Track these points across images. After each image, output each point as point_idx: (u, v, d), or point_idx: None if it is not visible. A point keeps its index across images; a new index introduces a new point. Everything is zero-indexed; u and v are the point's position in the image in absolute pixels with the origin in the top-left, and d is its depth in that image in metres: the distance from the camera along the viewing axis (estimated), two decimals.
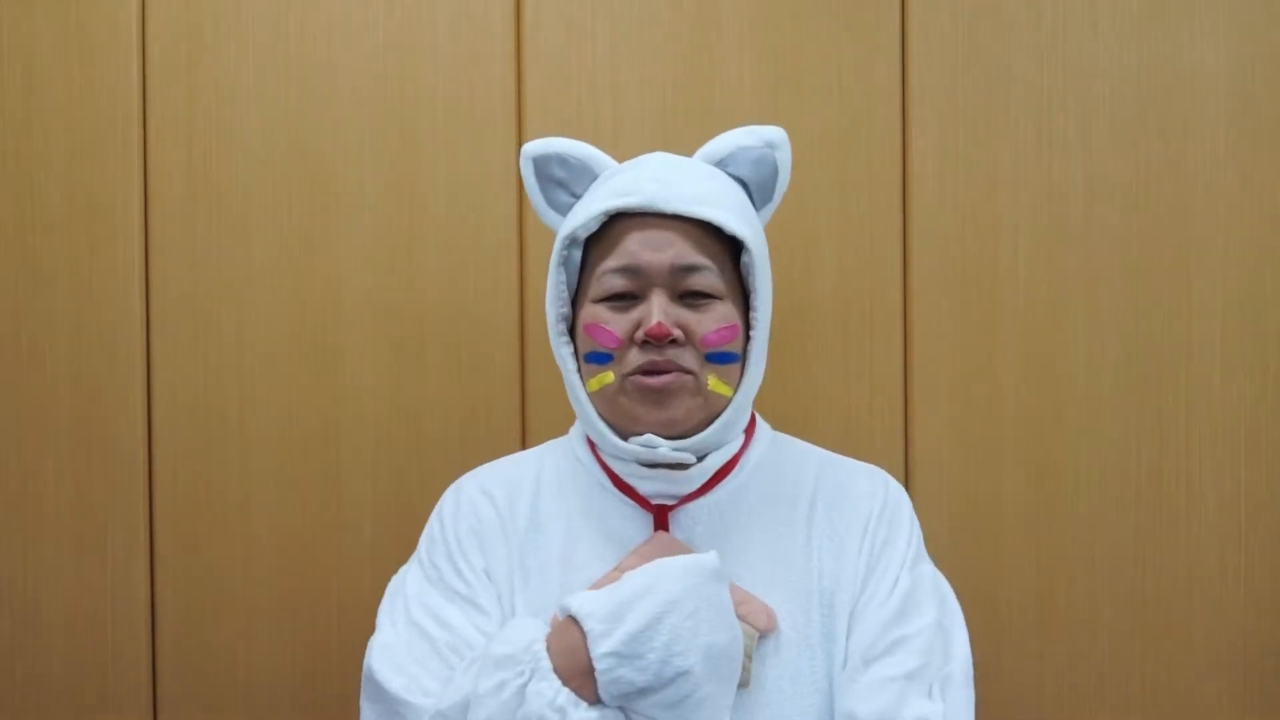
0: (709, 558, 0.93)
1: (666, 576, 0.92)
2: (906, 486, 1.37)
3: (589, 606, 0.91)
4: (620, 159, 1.10)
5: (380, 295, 1.37)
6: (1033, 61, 1.38)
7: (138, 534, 1.36)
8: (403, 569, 1.09)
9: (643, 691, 0.89)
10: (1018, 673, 1.36)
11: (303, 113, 1.36)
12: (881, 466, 1.31)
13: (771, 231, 1.36)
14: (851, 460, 1.10)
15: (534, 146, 1.07)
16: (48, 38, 1.36)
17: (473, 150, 1.37)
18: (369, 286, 1.37)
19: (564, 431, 1.37)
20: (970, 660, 0.99)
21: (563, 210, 1.07)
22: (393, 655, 0.99)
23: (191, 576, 1.36)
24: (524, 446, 1.37)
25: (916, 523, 1.05)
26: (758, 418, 1.10)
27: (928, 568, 1.03)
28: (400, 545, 1.36)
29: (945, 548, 1.36)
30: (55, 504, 1.36)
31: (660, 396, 0.97)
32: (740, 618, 0.94)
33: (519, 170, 1.08)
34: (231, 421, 1.36)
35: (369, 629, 1.36)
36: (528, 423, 1.37)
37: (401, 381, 1.37)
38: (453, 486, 1.10)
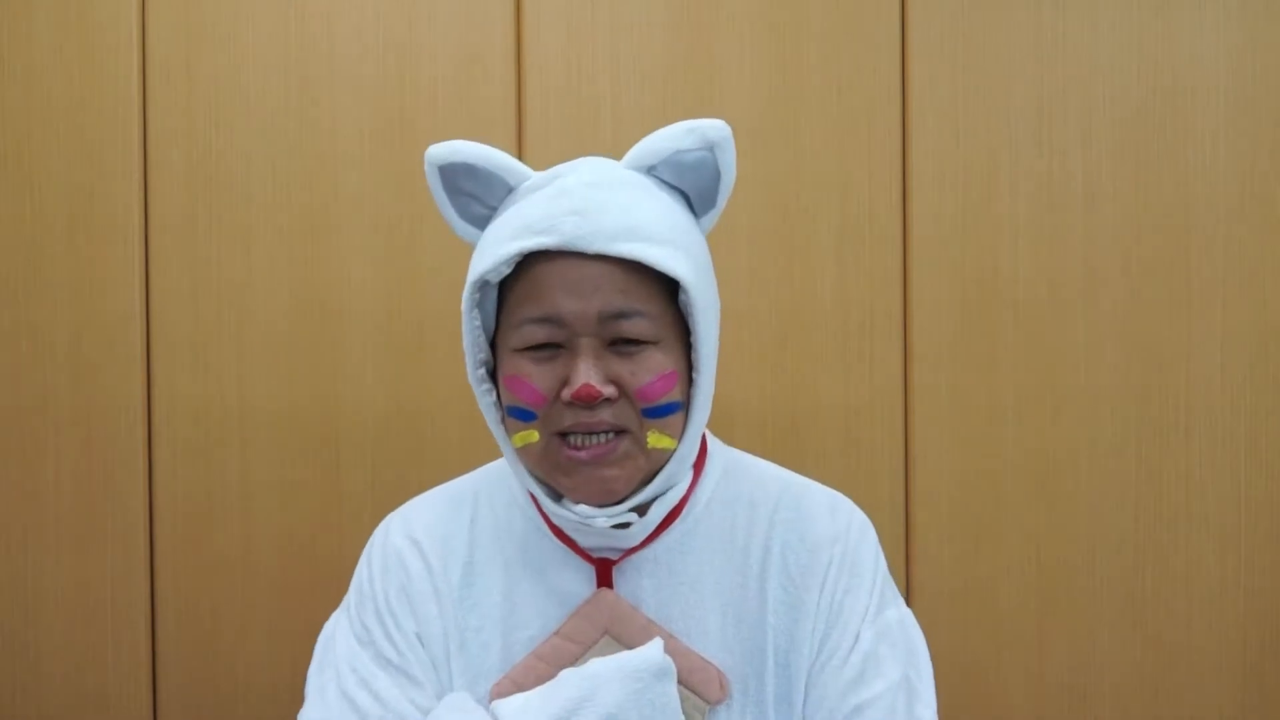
0: (653, 655, 0.85)
1: (606, 686, 0.84)
2: (906, 486, 1.37)
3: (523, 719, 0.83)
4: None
5: (380, 295, 1.37)
6: (1033, 61, 1.38)
7: (138, 534, 1.36)
8: (333, 617, 0.99)
9: None
10: (1018, 673, 1.36)
11: (303, 112, 1.36)
12: (881, 467, 1.30)
13: (770, 231, 1.36)
14: (814, 489, 0.97)
15: (437, 153, 0.92)
16: (48, 38, 1.36)
17: None
18: (369, 286, 1.37)
19: None
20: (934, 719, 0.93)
21: (478, 223, 0.93)
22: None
23: (191, 576, 1.36)
24: None
25: (882, 561, 0.95)
26: (709, 443, 0.98)
27: (893, 613, 0.93)
28: None
29: (945, 548, 1.37)
30: (55, 504, 1.36)
31: (590, 469, 0.86)
32: (690, 687, 0.88)
33: (426, 175, 0.94)
34: (231, 421, 1.36)
35: None
36: None
37: (401, 381, 1.37)
38: (381, 529, 0.99)
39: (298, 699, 1.43)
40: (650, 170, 0.91)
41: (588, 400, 0.84)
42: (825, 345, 1.37)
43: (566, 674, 0.86)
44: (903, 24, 1.38)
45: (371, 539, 0.99)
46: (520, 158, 1.36)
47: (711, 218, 0.94)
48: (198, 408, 1.36)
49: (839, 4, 1.37)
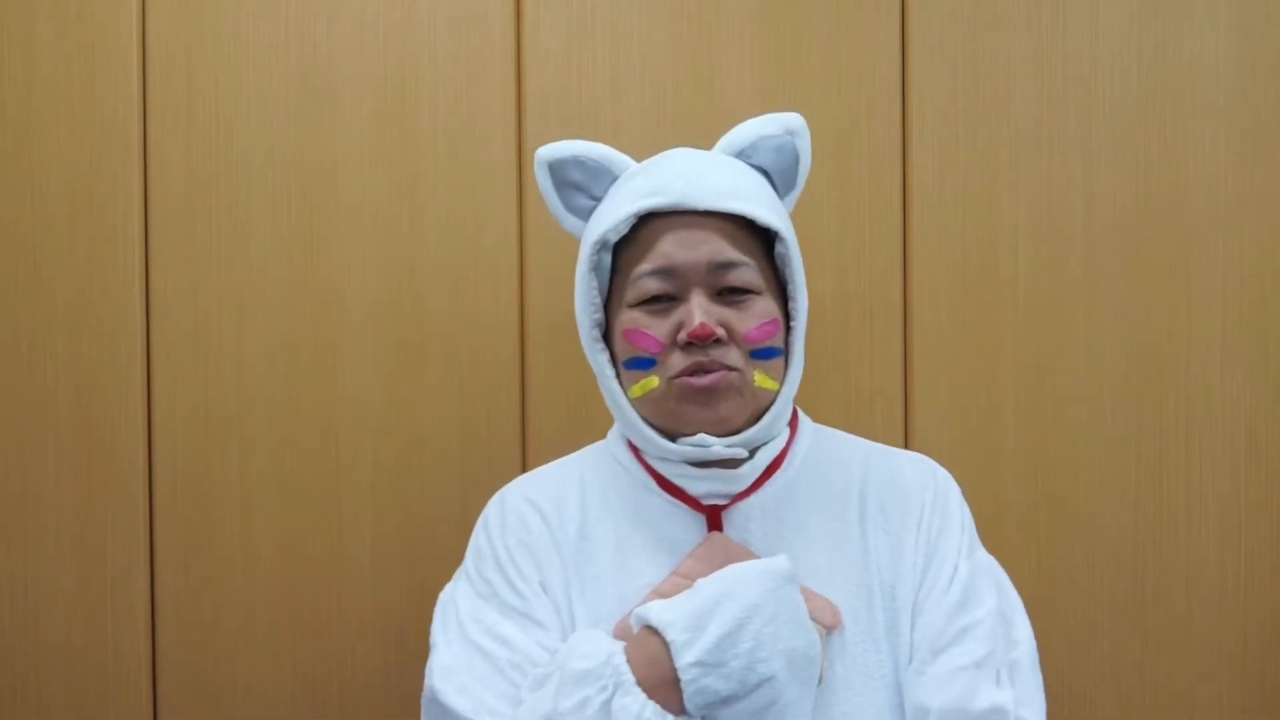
0: (780, 561, 0.92)
1: (743, 582, 0.90)
2: None
3: (668, 616, 0.89)
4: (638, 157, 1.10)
5: (380, 296, 1.36)
6: (1033, 61, 1.38)
7: (138, 534, 1.36)
8: (449, 586, 1.05)
9: (727, 700, 0.87)
10: None
11: (303, 113, 1.36)
12: None
13: None
14: (895, 449, 1.08)
15: (548, 151, 1.05)
16: (48, 38, 1.36)
17: (473, 150, 1.37)
18: (369, 287, 1.37)
19: (565, 430, 1.37)
20: (1034, 643, 0.99)
21: (582, 214, 1.05)
22: (454, 676, 0.96)
23: (191, 577, 1.36)
24: (524, 447, 1.37)
25: (967, 511, 1.04)
26: (799, 411, 1.08)
27: (982, 555, 1.02)
28: (400, 546, 1.37)
29: None
30: (55, 504, 1.36)
31: (709, 396, 0.95)
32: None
33: (534, 174, 1.07)
34: (231, 422, 1.36)
35: (368, 630, 1.36)
36: (527, 424, 1.37)
37: (401, 383, 1.37)
38: (495, 498, 1.07)
39: (298, 698, 1.44)
40: (739, 154, 1.04)
41: (703, 338, 0.93)
42: (825, 344, 1.37)
43: (703, 581, 0.92)
44: (903, 24, 1.38)
45: (485, 512, 1.06)
46: (520, 158, 1.36)
47: (792, 198, 1.08)
48: (198, 408, 1.36)
49: (839, 4, 1.38)
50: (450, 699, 0.94)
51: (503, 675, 0.94)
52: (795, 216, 1.37)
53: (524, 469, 1.36)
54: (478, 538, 1.05)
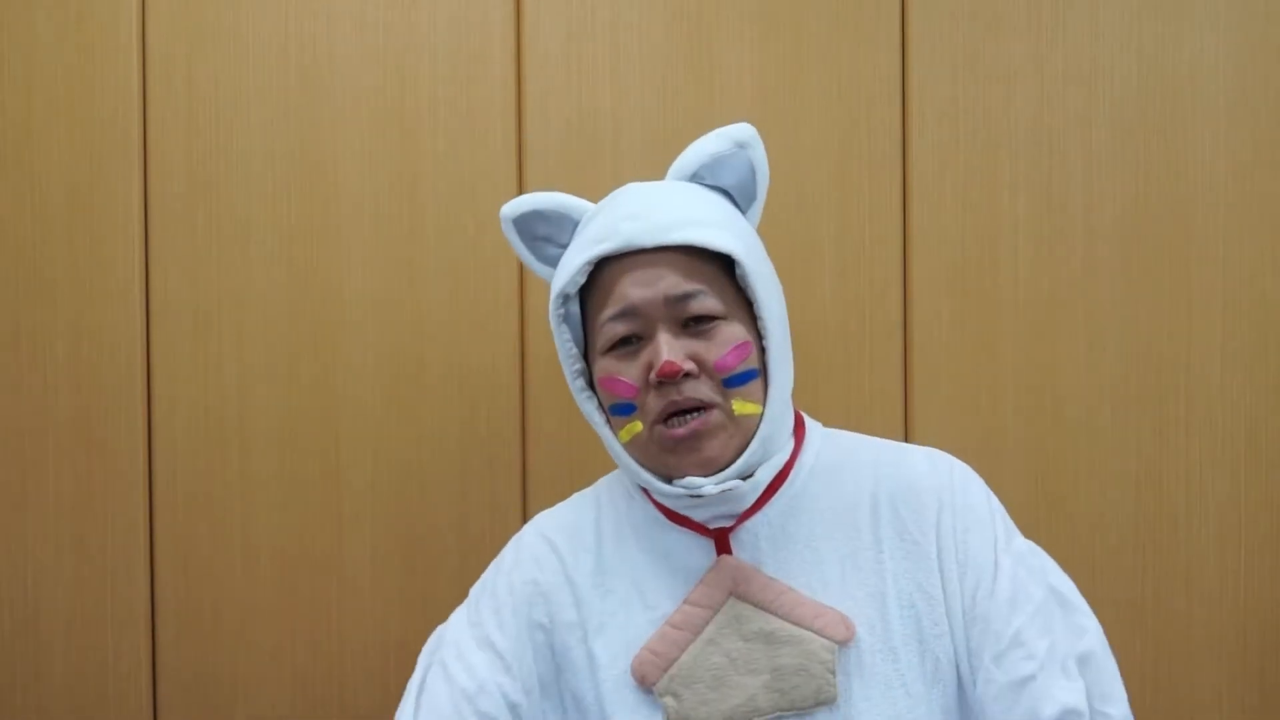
0: None
1: None
2: None
3: None
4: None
5: (380, 296, 1.36)
6: (1033, 61, 1.38)
7: (138, 534, 1.36)
8: (455, 611, 1.08)
9: None
10: None
11: (303, 113, 1.36)
12: None
13: (770, 232, 1.36)
14: (910, 448, 1.06)
15: (510, 208, 1.06)
16: (48, 38, 1.36)
17: (473, 150, 1.37)
18: (369, 287, 1.37)
19: (565, 430, 1.37)
20: (1100, 628, 0.98)
21: (553, 263, 1.06)
22: (411, 695, 1.02)
23: (191, 577, 1.36)
24: (524, 447, 1.37)
25: (994, 499, 1.02)
26: (805, 418, 1.07)
27: (1021, 542, 1.00)
28: (400, 545, 1.37)
29: None
30: (55, 504, 1.36)
31: (691, 442, 0.95)
32: (817, 631, 0.93)
33: (503, 230, 1.08)
34: (231, 422, 1.36)
35: (368, 630, 1.36)
36: (527, 423, 1.37)
37: (401, 383, 1.37)
38: (514, 538, 1.09)
39: (298, 699, 1.44)
40: (692, 177, 1.03)
41: (671, 376, 0.93)
42: (825, 345, 1.37)
43: None
44: (903, 24, 1.38)
45: (503, 550, 1.08)
46: (520, 159, 1.36)
47: (756, 211, 1.06)
48: (198, 408, 1.36)
49: (839, 4, 1.37)
50: (401, 712, 1.01)
51: (452, 702, 0.98)
52: (794, 217, 1.37)
53: (524, 469, 1.36)
54: (488, 572, 1.07)
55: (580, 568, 1.02)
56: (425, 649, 1.06)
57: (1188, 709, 1.37)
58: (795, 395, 1.34)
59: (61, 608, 1.36)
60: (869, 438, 1.08)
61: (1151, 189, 1.37)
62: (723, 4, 1.37)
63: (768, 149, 1.37)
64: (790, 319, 1.36)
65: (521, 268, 1.37)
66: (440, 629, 1.07)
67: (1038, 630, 0.94)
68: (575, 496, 1.11)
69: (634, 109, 1.37)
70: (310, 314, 1.36)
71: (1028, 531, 1.37)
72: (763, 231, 1.37)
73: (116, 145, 1.36)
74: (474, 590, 1.07)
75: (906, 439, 1.37)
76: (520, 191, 1.36)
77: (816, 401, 1.36)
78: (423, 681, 1.02)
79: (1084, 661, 0.96)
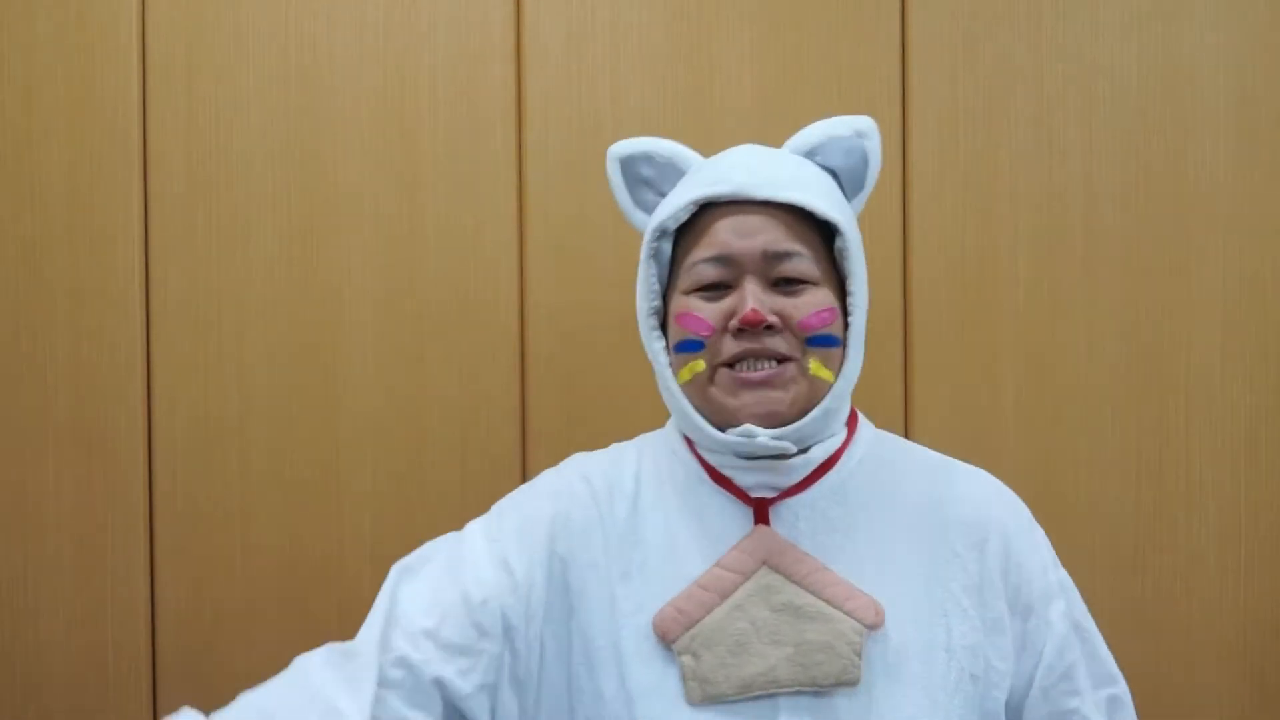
0: None
1: None
2: None
3: None
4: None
5: (380, 295, 1.37)
6: (1033, 61, 1.38)
7: (138, 534, 1.36)
8: (468, 526, 1.05)
9: None
10: None
11: (303, 113, 1.36)
12: None
13: None
14: (957, 463, 1.06)
15: (621, 147, 1.05)
16: (48, 38, 1.36)
17: (473, 150, 1.37)
18: (369, 286, 1.37)
19: (565, 429, 1.37)
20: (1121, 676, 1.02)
21: (648, 209, 1.05)
22: (418, 566, 1.01)
23: (191, 577, 1.36)
24: (523, 446, 1.37)
25: (1039, 527, 1.04)
26: (859, 414, 1.07)
27: (1064, 575, 1.03)
28: (400, 545, 1.36)
29: None
30: (55, 504, 1.36)
31: (760, 388, 0.94)
32: (847, 613, 0.92)
33: (606, 170, 1.06)
34: (231, 422, 1.36)
35: None
36: (527, 423, 1.37)
37: (401, 383, 1.37)
38: (553, 469, 1.07)
39: None
40: (808, 154, 1.03)
41: (754, 325, 0.92)
42: None
43: None
44: (903, 24, 1.38)
45: (541, 474, 1.07)
46: (520, 159, 1.36)
47: (861, 199, 1.06)
48: (198, 408, 1.36)
49: (839, 4, 1.37)
50: (396, 576, 1.01)
51: (456, 599, 0.96)
52: None
53: (524, 468, 1.36)
54: (519, 492, 1.05)
55: (615, 513, 1.00)
56: (436, 541, 1.04)
57: (1187, 709, 1.37)
58: None
59: (61, 608, 1.36)
60: (917, 445, 1.09)
61: (1151, 189, 1.37)
62: (723, 4, 1.37)
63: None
64: None
65: (522, 266, 1.37)
66: (453, 536, 1.04)
67: (1084, 670, 0.98)
68: (615, 446, 1.09)
69: (634, 109, 1.37)
70: (310, 314, 1.36)
71: None
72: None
73: (116, 145, 1.36)
74: (499, 505, 1.05)
75: (906, 438, 1.37)
76: (520, 190, 1.36)
77: None
78: (425, 559, 1.01)
79: (1114, 704, 1.00)
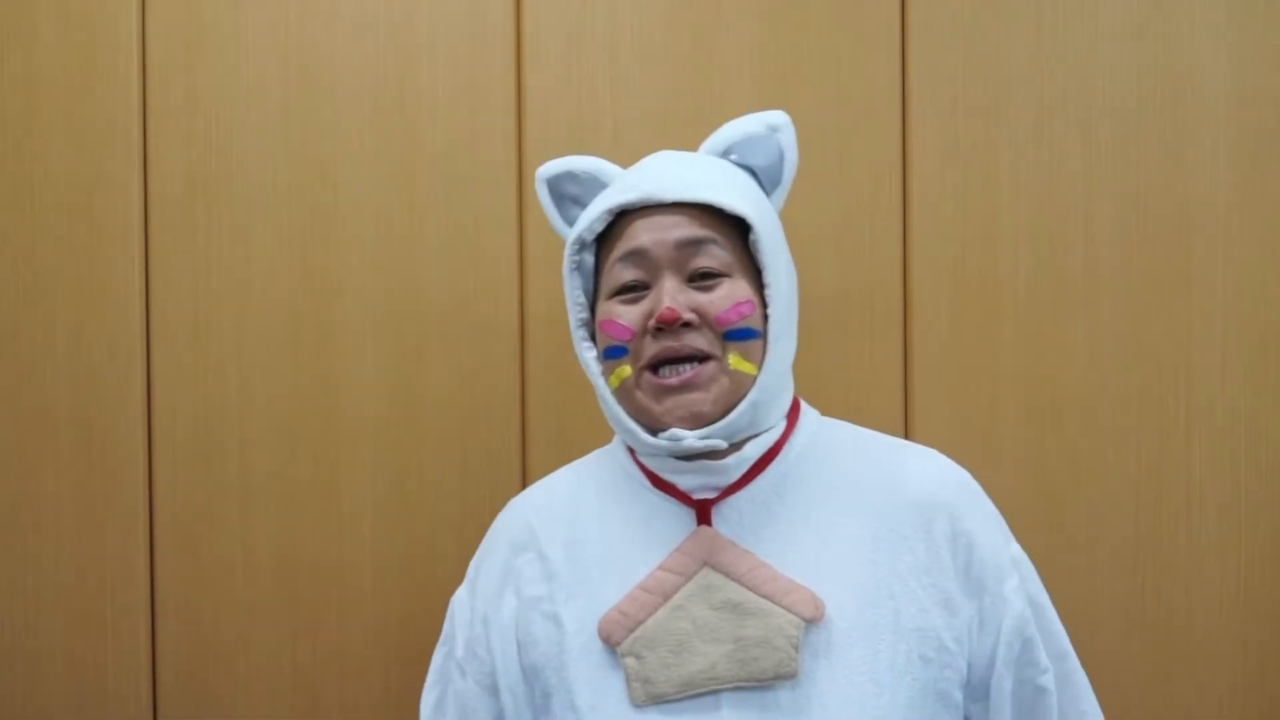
0: None
1: None
2: None
3: None
4: (621, 159, 1.11)
5: (380, 295, 1.37)
6: (1033, 61, 1.38)
7: (138, 534, 1.36)
8: (460, 589, 1.10)
9: None
10: None
11: (303, 113, 1.36)
12: None
13: None
14: (909, 446, 1.07)
15: (545, 169, 1.09)
16: (48, 37, 1.36)
17: (473, 150, 1.37)
18: (369, 286, 1.37)
19: (565, 429, 1.37)
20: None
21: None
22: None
23: (191, 576, 1.36)
24: (523, 446, 1.37)
25: (989, 502, 1.04)
26: (802, 404, 1.08)
27: (1017, 549, 1.03)
28: (400, 545, 1.37)
29: None
30: (55, 504, 1.36)
31: (680, 392, 0.96)
32: (786, 607, 0.93)
33: (534, 193, 1.11)
34: (231, 422, 1.36)
35: (369, 629, 1.36)
36: (527, 423, 1.37)
37: (401, 383, 1.37)
38: (499, 517, 1.11)
39: (298, 699, 1.44)
40: (723, 154, 1.06)
41: (670, 322, 0.94)
42: (825, 344, 1.37)
43: None
44: (903, 24, 1.38)
45: (492, 526, 1.10)
46: (520, 158, 1.37)
47: (780, 195, 1.08)
48: (198, 408, 1.36)
49: (839, 4, 1.37)
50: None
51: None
52: (795, 216, 1.37)
53: (524, 468, 1.36)
54: (476, 559, 1.09)
55: (553, 539, 1.03)
56: (440, 646, 1.09)
57: (1187, 709, 1.37)
58: (796, 392, 1.35)
59: (61, 608, 1.36)
60: (866, 430, 1.09)
61: (1151, 189, 1.37)
62: (723, 4, 1.37)
63: None
64: None
65: (522, 267, 1.37)
66: (454, 612, 1.08)
67: (1040, 644, 0.99)
68: (559, 471, 1.12)
69: (634, 109, 1.37)
70: (310, 314, 1.36)
71: (1027, 531, 1.37)
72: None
73: (117, 145, 1.36)
74: (469, 573, 1.09)
75: (907, 437, 1.37)
76: (520, 191, 1.36)
77: (816, 399, 1.36)
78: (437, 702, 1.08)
79: (1063, 680, 1.01)
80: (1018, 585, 0.99)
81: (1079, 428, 1.37)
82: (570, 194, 1.08)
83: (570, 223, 1.08)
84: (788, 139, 1.06)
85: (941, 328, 1.37)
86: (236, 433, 1.36)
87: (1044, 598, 1.03)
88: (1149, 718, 1.37)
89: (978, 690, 0.98)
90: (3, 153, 1.36)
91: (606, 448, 1.11)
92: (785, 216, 1.37)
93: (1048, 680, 0.99)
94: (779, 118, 1.06)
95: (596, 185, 1.06)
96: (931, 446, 1.37)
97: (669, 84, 1.37)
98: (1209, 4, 1.37)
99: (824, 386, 1.37)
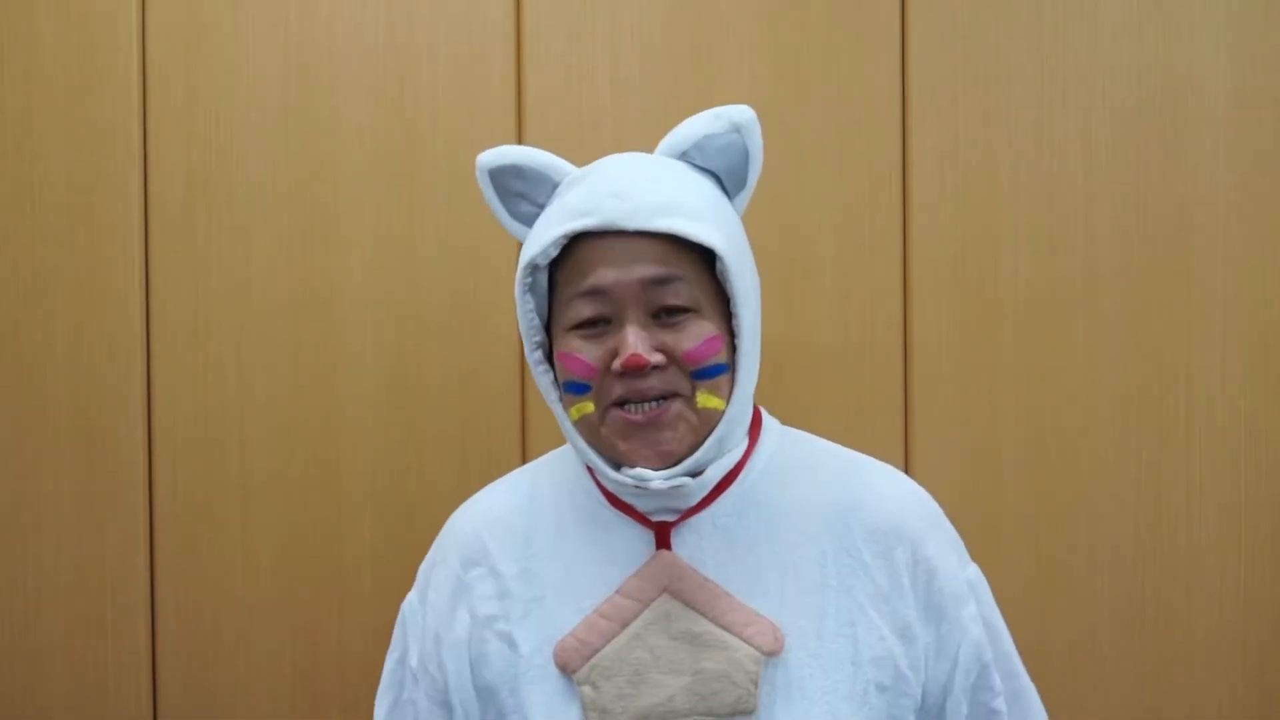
0: None
1: None
2: None
3: None
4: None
5: (380, 296, 1.37)
6: (1033, 61, 1.38)
7: (138, 534, 1.36)
8: (411, 595, 1.06)
9: None
10: None
11: (303, 112, 1.36)
12: None
13: (769, 232, 1.36)
14: (872, 465, 1.02)
15: (487, 158, 1.00)
16: (48, 38, 1.36)
17: (472, 150, 1.35)
18: (369, 288, 1.37)
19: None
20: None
21: (527, 220, 1.00)
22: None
23: (191, 576, 1.36)
24: (524, 446, 1.37)
25: (948, 523, 1.01)
26: (764, 415, 1.03)
27: (974, 571, 1.00)
28: (400, 545, 1.37)
29: None
30: (55, 504, 1.36)
31: (647, 431, 0.91)
32: (745, 640, 0.91)
33: (477, 179, 1.02)
34: (231, 422, 1.36)
35: (369, 629, 1.36)
36: (527, 423, 1.37)
37: (401, 383, 1.37)
38: (443, 529, 1.06)
39: (298, 699, 1.43)
40: (682, 155, 0.97)
41: (636, 369, 0.89)
42: (825, 345, 1.37)
43: None
44: (903, 24, 1.38)
45: (438, 538, 1.06)
46: None
47: (744, 197, 1.00)
48: (198, 408, 1.36)
49: (839, 4, 1.37)
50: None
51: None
52: (795, 216, 1.37)
53: None
54: (422, 571, 1.06)
55: (506, 555, 0.98)
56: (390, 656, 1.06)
57: (1188, 710, 1.37)
58: (795, 395, 1.34)
59: (61, 608, 1.36)
60: (828, 444, 1.04)
61: (1151, 189, 1.37)
62: (723, 4, 1.37)
63: (767, 149, 1.36)
64: (789, 319, 1.36)
65: None
66: (405, 618, 1.05)
67: (995, 669, 0.98)
68: (512, 474, 1.08)
69: (634, 109, 1.37)
70: (310, 314, 1.36)
71: (1027, 533, 1.37)
72: (762, 232, 1.37)
73: (117, 146, 1.36)
74: (420, 578, 1.05)
75: (906, 440, 1.37)
76: None
77: (816, 402, 1.36)
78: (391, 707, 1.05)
79: (1014, 698, 1.00)
80: (975, 611, 0.97)
81: (1079, 428, 1.37)
82: (515, 189, 0.99)
83: (517, 216, 1.01)
84: (754, 140, 0.97)
85: (941, 329, 1.37)
86: (236, 433, 1.36)
87: (998, 618, 1.00)
88: (1149, 718, 1.37)
89: (931, 715, 0.96)
90: (3, 153, 1.36)
91: (564, 450, 1.05)
92: (785, 217, 1.37)
93: (1000, 703, 0.98)
94: (743, 115, 0.96)
95: (545, 183, 0.98)
96: (931, 447, 1.38)
97: (669, 84, 1.37)
98: (1209, 4, 1.37)
99: (824, 388, 1.37)
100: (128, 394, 1.36)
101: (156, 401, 1.36)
